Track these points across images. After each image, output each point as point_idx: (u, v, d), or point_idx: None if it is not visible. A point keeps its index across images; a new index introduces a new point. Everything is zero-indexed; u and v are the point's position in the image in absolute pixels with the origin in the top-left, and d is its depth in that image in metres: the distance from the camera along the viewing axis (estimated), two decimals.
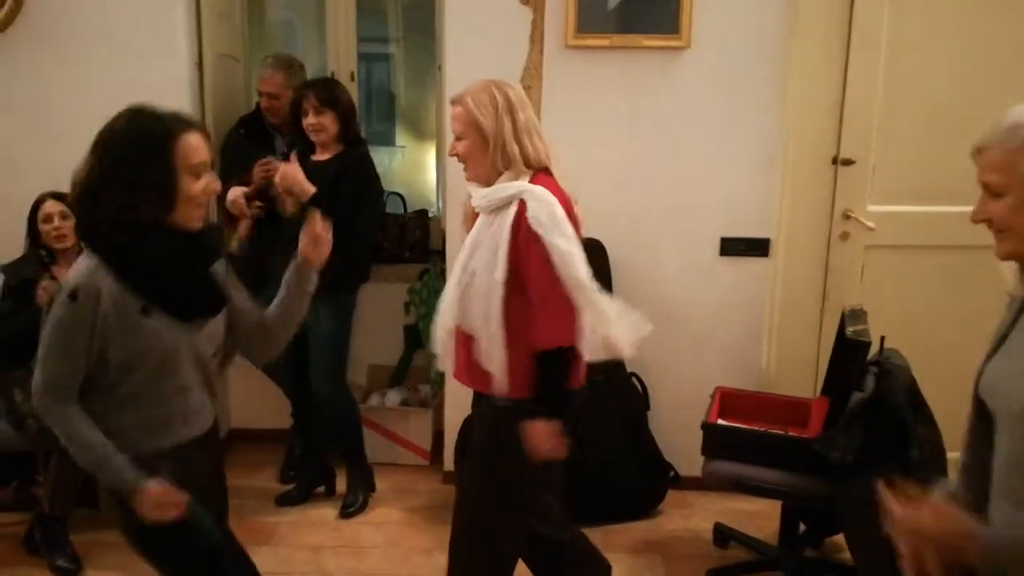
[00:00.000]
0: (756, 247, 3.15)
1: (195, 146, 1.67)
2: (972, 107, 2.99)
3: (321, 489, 3.28)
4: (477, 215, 2.14)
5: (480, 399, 2.20)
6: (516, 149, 2.05)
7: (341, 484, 3.27)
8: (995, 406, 1.39)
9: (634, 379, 3.17)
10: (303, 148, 3.04)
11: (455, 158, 2.14)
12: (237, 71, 3.62)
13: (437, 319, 2.18)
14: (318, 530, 3.06)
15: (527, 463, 2.04)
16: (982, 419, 1.43)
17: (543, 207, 1.98)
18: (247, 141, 3.30)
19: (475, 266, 2.07)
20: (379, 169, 3.18)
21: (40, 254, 2.85)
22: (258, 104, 3.42)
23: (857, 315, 2.54)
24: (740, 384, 2.97)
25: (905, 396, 2.31)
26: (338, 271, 2.98)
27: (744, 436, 2.53)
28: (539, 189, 2.02)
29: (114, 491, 1.68)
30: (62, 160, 3.13)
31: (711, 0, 3.01)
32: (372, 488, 3.24)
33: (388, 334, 3.70)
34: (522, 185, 2.03)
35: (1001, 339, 1.43)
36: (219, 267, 1.82)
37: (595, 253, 3.14)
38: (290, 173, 2.84)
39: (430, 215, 3.89)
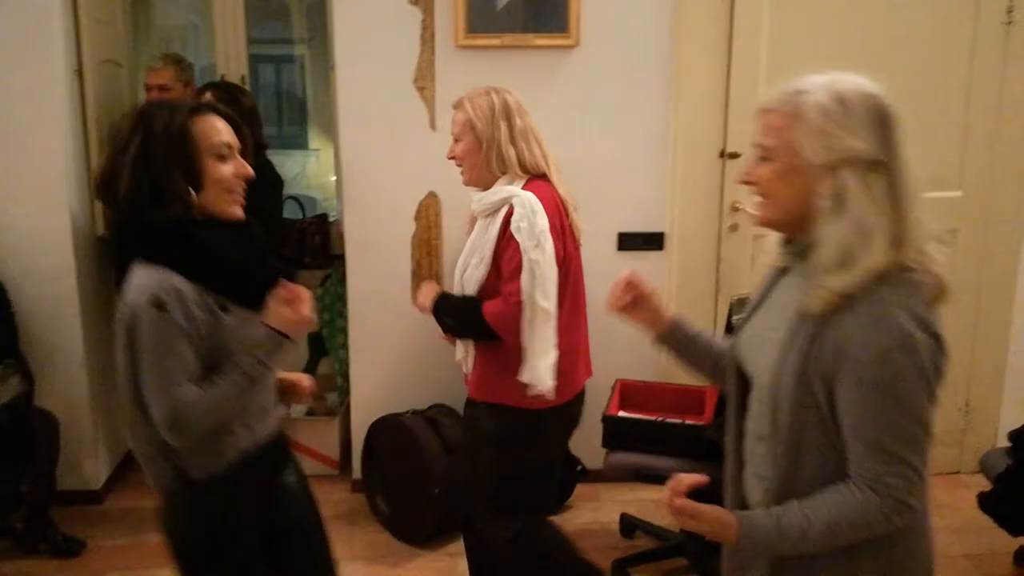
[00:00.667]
0: (652, 241, 3.22)
1: (213, 127, 1.58)
2: None
3: None
4: (475, 219, 2.23)
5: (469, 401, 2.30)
6: (512, 153, 2.11)
7: None
8: (750, 372, 1.42)
9: None
10: None
11: (453, 160, 2.21)
12: (121, 77, 3.49)
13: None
14: None
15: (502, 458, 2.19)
16: (741, 383, 1.46)
17: (525, 215, 2.03)
18: None
19: (469, 269, 2.16)
20: (292, 173, 3.14)
21: None
22: None
23: (744, 303, 2.61)
24: (641, 376, 3.03)
25: None
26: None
27: (641, 426, 2.58)
28: (527, 195, 2.07)
29: (269, 354, 1.57)
30: None
31: (593, 2, 3.07)
32: None
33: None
34: (512, 190, 2.09)
35: (756, 306, 1.47)
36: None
37: None
38: None
39: (330, 219, 3.84)
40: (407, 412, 3.07)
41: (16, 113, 2.97)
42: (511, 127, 2.11)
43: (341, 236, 3.67)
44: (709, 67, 3.11)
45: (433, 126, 3.15)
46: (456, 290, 2.24)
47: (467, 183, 2.22)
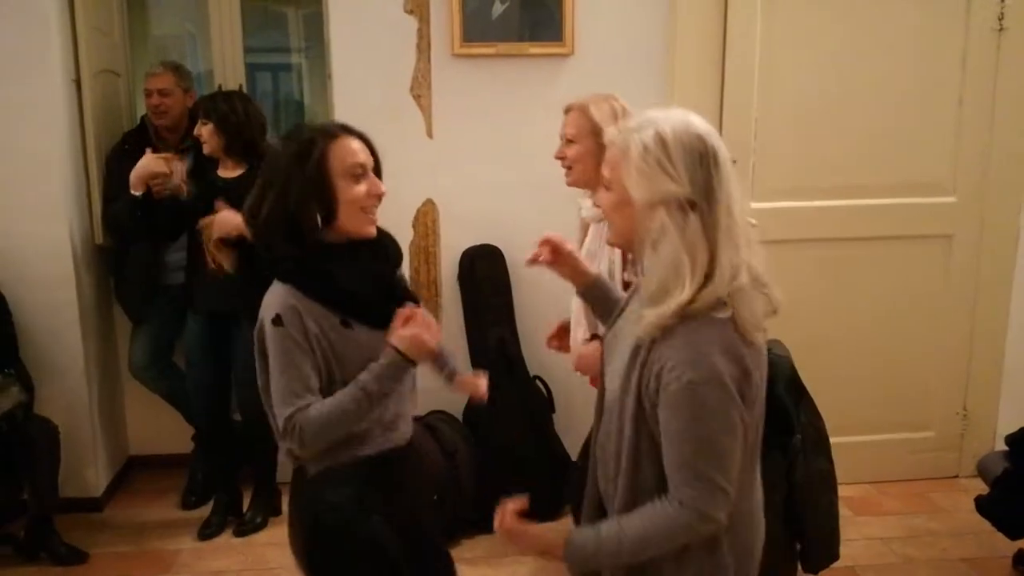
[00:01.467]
0: None
1: (349, 149, 1.64)
2: (844, 105, 3.17)
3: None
4: (588, 225, 2.28)
5: None
6: None
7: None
8: (606, 371, 1.49)
9: (537, 382, 3.20)
10: (198, 161, 3.00)
11: (562, 161, 2.25)
12: (119, 86, 3.50)
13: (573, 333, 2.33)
14: (222, 554, 2.99)
15: None
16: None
17: None
18: (133, 156, 3.20)
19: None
20: None
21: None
22: (143, 119, 3.33)
23: None
24: None
25: (787, 385, 2.40)
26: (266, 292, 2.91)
27: None
28: None
29: (391, 377, 1.60)
30: None
31: (593, 7, 3.09)
32: (277, 512, 3.18)
33: None
34: None
35: (624, 306, 1.54)
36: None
37: (492, 258, 3.19)
38: (227, 219, 2.57)
39: None
40: None
41: (15, 123, 2.99)
42: None
43: None
44: (703, 74, 3.13)
45: (430, 134, 3.16)
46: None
47: (572, 184, 2.28)
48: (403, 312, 1.63)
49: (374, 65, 3.10)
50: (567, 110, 2.28)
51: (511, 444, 3.08)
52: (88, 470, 3.23)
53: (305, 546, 1.73)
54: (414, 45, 3.10)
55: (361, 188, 1.63)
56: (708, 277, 1.27)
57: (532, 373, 3.21)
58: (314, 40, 6.19)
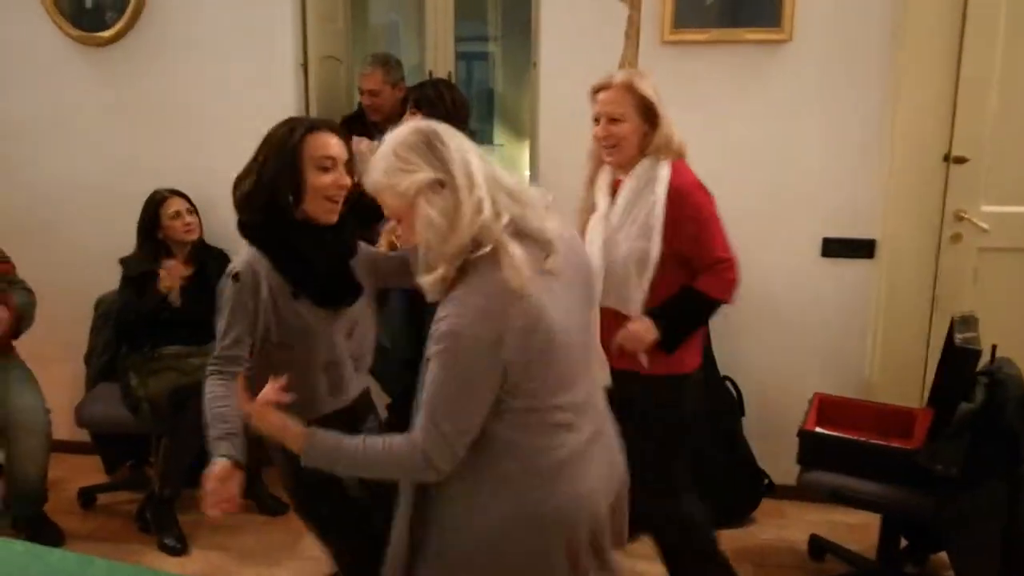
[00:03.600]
0: (860, 248, 3.02)
1: (322, 142, 1.84)
2: None
3: None
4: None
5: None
6: (672, 133, 2.20)
7: None
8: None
9: (728, 383, 3.09)
10: None
11: (606, 141, 2.23)
12: (340, 72, 3.72)
13: None
14: None
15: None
16: None
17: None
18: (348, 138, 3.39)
19: (627, 243, 2.18)
20: None
21: (158, 247, 3.03)
22: (360, 104, 3.51)
23: (968, 322, 2.40)
24: (840, 391, 2.85)
25: (1017, 407, 2.16)
26: None
27: (843, 445, 2.42)
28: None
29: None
30: (177, 159, 3.34)
31: None
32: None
33: None
34: (663, 169, 2.17)
35: None
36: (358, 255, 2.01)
37: None
38: None
39: None
40: None
41: (249, 99, 3.24)
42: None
43: None
44: (936, 64, 2.87)
45: None
46: (596, 260, 2.16)
47: (618, 164, 2.24)
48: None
49: (581, 53, 3.08)
50: (606, 87, 2.22)
51: (697, 446, 2.99)
52: None
53: (288, 486, 2.01)
54: (623, 32, 3.06)
55: (327, 178, 1.83)
56: (471, 239, 1.41)
57: (722, 373, 3.10)
58: (510, 29, 6.31)
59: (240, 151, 3.33)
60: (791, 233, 3.07)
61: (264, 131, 3.23)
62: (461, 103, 2.99)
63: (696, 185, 2.20)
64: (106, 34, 3.26)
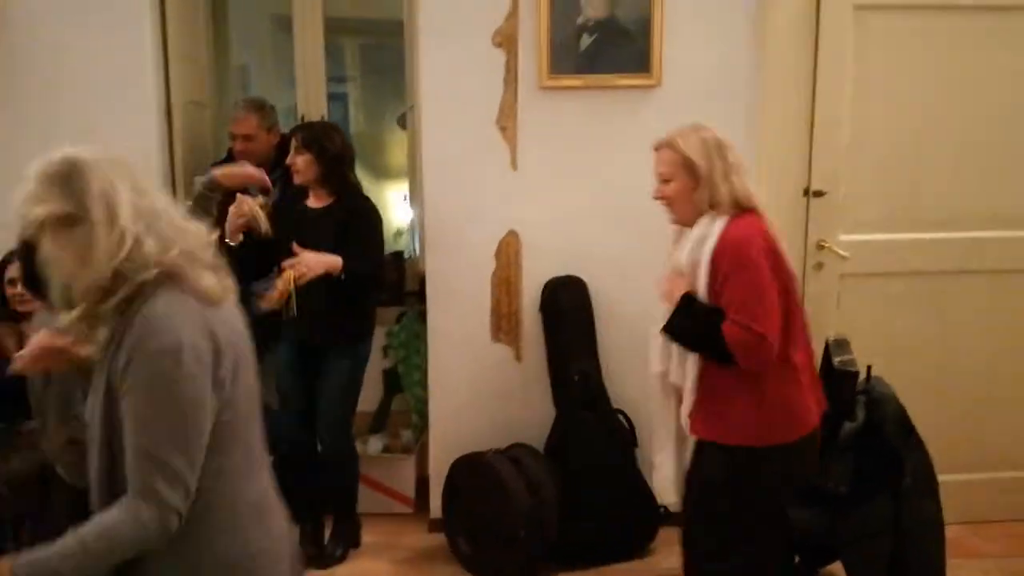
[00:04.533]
0: None
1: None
2: (937, 135, 3.11)
3: None
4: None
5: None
6: (726, 189, 2.09)
7: None
8: None
9: (620, 416, 3.16)
10: (285, 192, 3.02)
11: (661, 201, 2.19)
12: (204, 117, 3.57)
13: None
14: None
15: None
16: None
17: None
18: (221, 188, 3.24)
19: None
20: None
21: (6, 313, 2.76)
22: (229, 150, 3.38)
23: (841, 344, 2.56)
24: None
25: (895, 424, 2.33)
26: (357, 323, 2.94)
27: None
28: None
29: None
30: None
31: (681, 39, 3.07)
32: (357, 543, 3.16)
33: (367, 379, 3.64)
34: (713, 229, 2.07)
35: None
36: None
37: (575, 289, 3.16)
38: (310, 261, 2.74)
39: (405, 256, 3.87)
40: (488, 451, 3.04)
41: (110, 146, 3.03)
42: (725, 162, 2.10)
43: (416, 273, 3.70)
44: (793, 104, 3.10)
45: (514, 165, 3.16)
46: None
47: (678, 222, 2.21)
48: None
49: (461, 96, 3.11)
50: (656, 148, 2.23)
51: (593, 479, 3.04)
52: None
53: None
54: (501, 78, 3.11)
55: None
56: (113, 274, 1.32)
57: (615, 406, 3.16)
58: (368, 69, 6.29)
59: None
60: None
61: None
62: (348, 147, 2.96)
63: (742, 242, 2.03)
64: None
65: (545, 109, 3.12)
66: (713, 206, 2.09)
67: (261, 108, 3.33)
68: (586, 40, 3.08)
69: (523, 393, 3.24)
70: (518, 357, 3.25)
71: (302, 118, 3.64)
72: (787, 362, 2.07)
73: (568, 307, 3.14)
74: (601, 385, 3.16)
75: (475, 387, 3.25)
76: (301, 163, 2.90)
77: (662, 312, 2.18)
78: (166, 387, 1.29)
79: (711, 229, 2.07)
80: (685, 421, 2.17)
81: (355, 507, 3.17)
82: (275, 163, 3.25)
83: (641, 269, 3.16)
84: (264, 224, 2.86)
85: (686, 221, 2.17)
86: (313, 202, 2.98)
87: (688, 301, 2.09)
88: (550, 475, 2.98)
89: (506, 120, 3.14)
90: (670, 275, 2.18)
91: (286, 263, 2.75)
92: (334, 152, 2.90)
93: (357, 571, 3.06)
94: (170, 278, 1.34)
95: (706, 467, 2.15)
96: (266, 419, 3.21)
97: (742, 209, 2.10)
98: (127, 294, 1.32)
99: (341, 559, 3.10)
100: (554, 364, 3.19)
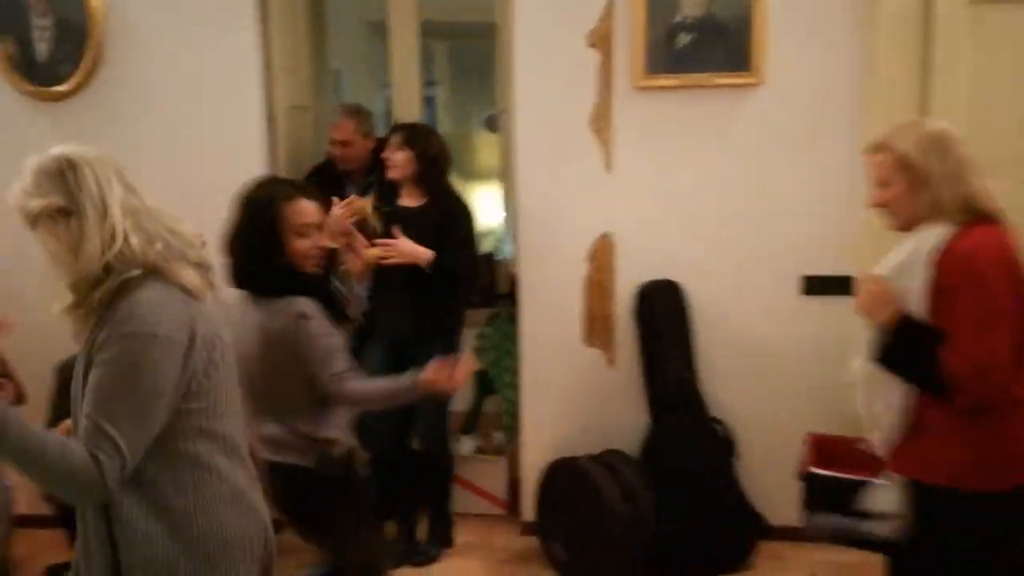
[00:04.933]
0: (838, 285, 3.05)
1: (301, 210, 2.02)
2: None
3: None
4: None
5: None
6: (953, 192, 1.80)
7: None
8: None
9: (718, 424, 3.08)
10: (382, 192, 3.06)
11: (877, 208, 1.94)
12: (306, 121, 3.65)
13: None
14: None
15: None
16: None
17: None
18: (319, 190, 3.31)
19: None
20: None
21: None
22: (328, 154, 3.44)
23: None
24: (833, 429, 2.85)
25: None
26: (443, 318, 2.96)
27: (849, 486, 2.41)
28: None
29: None
30: None
31: (785, 35, 2.97)
32: (450, 543, 3.18)
33: None
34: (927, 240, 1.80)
35: None
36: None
37: (670, 294, 3.10)
38: (403, 247, 2.83)
39: (496, 258, 3.87)
40: (582, 456, 3.01)
41: (214, 154, 3.17)
42: (951, 161, 1.81)
43: (507, 275, 3.70)
44: (904, 101, 2.94)
45: (609, 167, 3.12)
46: None
47: (899, 229, 1.92)
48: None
49: (555, 98, 3.09)
50: (868, 151, 1.96)
51: (688, 486, 2.97)
52: None
53: None
54: (595, 78, 3.07)
55: (306, 243, 2.02)
56: (104, 268, 1.41)
57: (713, 415, 3.09)
58: (456, 73, 6.34)
59: (206, 207, 3.23)
60: (771, 272, 3.10)
61: (230, 185, 3.17)
62: (446, 149, 3.00)
63: (974, 253, 1.74)
64: (62, 88, 3.15)
65: (640, 109, 3.07)
66: (938, 212, 1.80)
67: (358, 114, 3.39)
68: (683, 39, 3.01)
69: (616, 398, 3.20)
70: (611, 362, 3.21)
71: (395, 122, 3.68)
72: (1015, 399, 1.79)
73: (663, 312, 3.09)
74: (697, 392, 3.09)
75: (567, 391, 3.22)
76: (400, 159, 2.94)
77: (866, 332, 1.91)
78: (129, 369, 1.37)
79: (933, 236, 1.78)
80: (883, 452, 1.95)
81: (449, 506, 3.19)
82: (371, 167, 3.30)
83: (741, 275, 3.10)
84: (374, 221, 2.93)
85: (906, 227, 1.89)
86: (407, 201, 3.02)
87: (904, 322, 1.80)
88: (645, 482, 2.93)
89: (600, 121, 3.11)
90: (872, 284, 1.89)
91: (378, 242, 2.80)
92: (432, 153, 2.95)
93: (451, 571, 3.08)
94: (154, 271, 1.43)
95: (907, 506, 1.92)
96: (362, 419, 3.29)
97: (976, 216, 1.79)
98: (114, 285, 1.41)
99: (436, 558, 3.13)
100: (648, 370, 3.14)
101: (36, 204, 1.42)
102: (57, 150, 1.47)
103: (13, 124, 3.19)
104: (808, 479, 2.46)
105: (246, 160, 3.16)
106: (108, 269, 1.41)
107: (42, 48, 3.14)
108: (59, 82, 3.15)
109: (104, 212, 1.41)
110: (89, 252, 1.40)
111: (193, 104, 3.17)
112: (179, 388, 1.41)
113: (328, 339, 2.02)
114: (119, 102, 3.18)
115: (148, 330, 1.37)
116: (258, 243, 2.02)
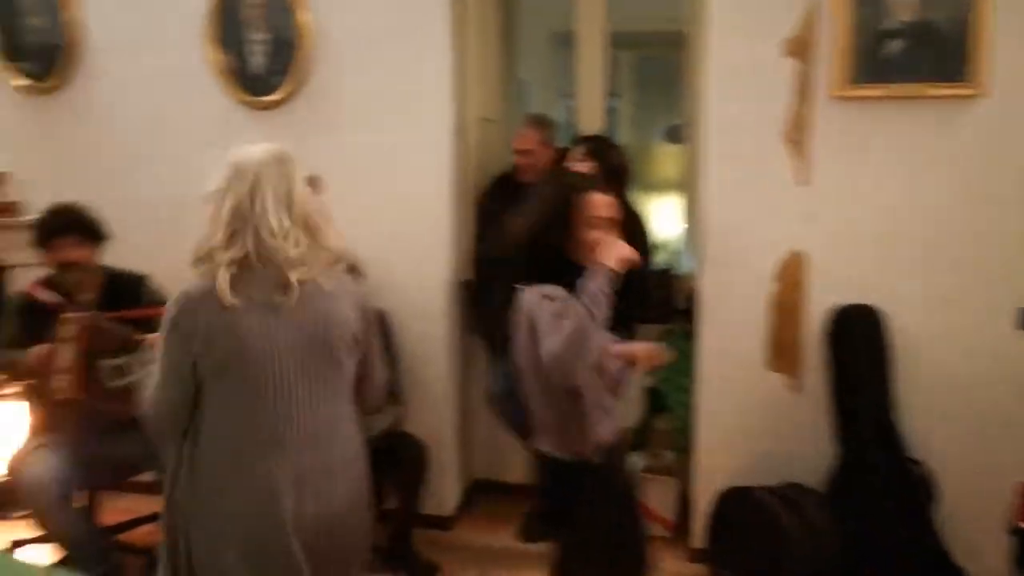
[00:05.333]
0: None
1: (596, 203, 2.10)
2: None
3: None
4: None
5: None
6: None
7: None
8: None
9: (916, 465, 2.84)
10: None
11: None
12: (494, 132, 3.73)
13: None
14: None
15: None
16: None
17: None
18: (499, 198, 3.37)
19: None
20: None
21: None
22: (515, 164, 3.50)
23: None
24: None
25: None
26: (623, 338, 2.95)
27: None
28: None
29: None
30: (366, 224, 3.29)
31: (1008, 43, 2.70)
32: None
33: (628, 396, 3.61)
34: None
35: None
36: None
37: (869, 319, 2.90)
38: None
39: (673, 272, 3.78)
40: (760, 488, 2.87)
41: (407, 165, 3.29)
42: None
43: (685, 289, 3.60)
44: None
45: (804, 181, 2.96)
46: None
47: None
48: None
49: (746, 108, 2.97)
50: None
51: (879, 529, 2.76)
52: (445, 489, 3.43)
53: None
54: (790, 88, 2.92)
55: (595, 235, 2.08)
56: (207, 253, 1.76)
57: (912, 453, 2.85)
58: (638, 83, 6.27)
59: (398, 212, 3.38)
60: (982, 302, 2.83)
61: (424, 194, 3.30)
62: (628, 164, 2.96)
63: None
64: (273, 97, 3.38)
65: (841, 121, 2.89)
66: None
67: (541, 124, 3.43)
68: (891, 46, 2.81)
69: (799, 428, 3.02)
70: (795, 388, 3.04)
71: (578, 135, 3.69)
72: None
73: (859, 338, 2.88)
74: (895, 428, 2.87)
75: (746, 416, 3.08)
76: (585, 170, 2.93)
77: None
78: (161, 335, 1.76)
79: None
80: None
81: None
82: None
83: (948, 303, 2.86)
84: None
85: None
86: None
87: None
88: (830, 521, 2.75)
89: (796, 132, 2.95)
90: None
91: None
92: (614, 165, 2.94)
93: None
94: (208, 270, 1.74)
95: None
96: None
97: None
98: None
99: None
100: (839, 400, 2.94)
101: (210, 189, 1.79)
102: (244, 151, 1.81)
103: (230, 129, 3.47)
104: (1020, 534, 2.23)
105: (436, 169, 3.27)
106: (198, 257, 1.77)
107: (257, 61, 3.40)
108: (271, 92, 3.39)
109: (219, 213, 1.75)
110: (204, 235, 1.76)
111: (388, 115, 3.30)
112: (189, 366, 1.77)
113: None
114: (323, 111, 3.37)
115: (170, 310, 1.76)
116: (553, 232, 2.09)
